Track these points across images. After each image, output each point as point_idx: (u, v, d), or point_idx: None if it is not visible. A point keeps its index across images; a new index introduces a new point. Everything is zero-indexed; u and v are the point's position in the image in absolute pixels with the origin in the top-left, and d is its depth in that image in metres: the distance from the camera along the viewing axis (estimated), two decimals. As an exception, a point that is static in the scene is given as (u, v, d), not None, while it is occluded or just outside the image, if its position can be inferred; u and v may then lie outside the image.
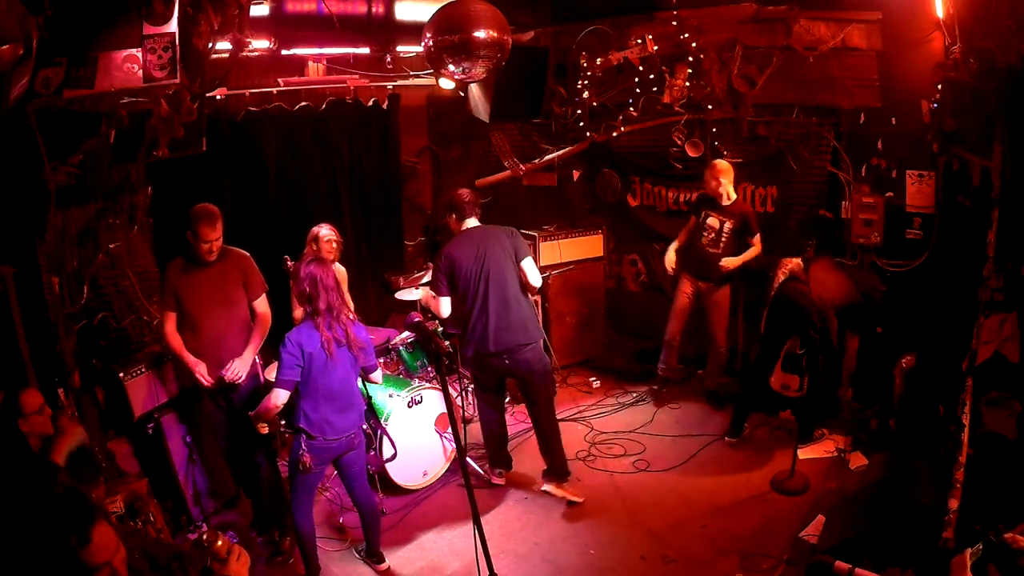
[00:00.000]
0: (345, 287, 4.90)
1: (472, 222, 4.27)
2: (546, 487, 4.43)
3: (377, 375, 3.72)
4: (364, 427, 3.78)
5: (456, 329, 4.36)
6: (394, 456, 4.28)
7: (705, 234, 5.13)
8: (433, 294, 4.23)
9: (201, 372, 3.74)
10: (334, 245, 4.64)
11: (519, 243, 4.26)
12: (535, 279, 4.24)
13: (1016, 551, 2.37)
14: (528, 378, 4.28)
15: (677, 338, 5.39)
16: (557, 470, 4.39)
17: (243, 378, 3.80)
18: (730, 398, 5.34)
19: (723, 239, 5.07)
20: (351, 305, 3.57)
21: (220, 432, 4.08)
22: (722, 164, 5.07)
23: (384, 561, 3.86)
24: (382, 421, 4.28)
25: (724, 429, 5.04)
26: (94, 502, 2.31)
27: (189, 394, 4.06)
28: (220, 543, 2.22)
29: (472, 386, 4.91)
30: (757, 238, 5.06)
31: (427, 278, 5.21)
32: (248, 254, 4.01)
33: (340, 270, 4.87)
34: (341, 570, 3.85)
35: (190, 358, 3.75)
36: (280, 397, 3.36)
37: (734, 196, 5.08)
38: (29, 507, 2.15)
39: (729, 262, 5.05)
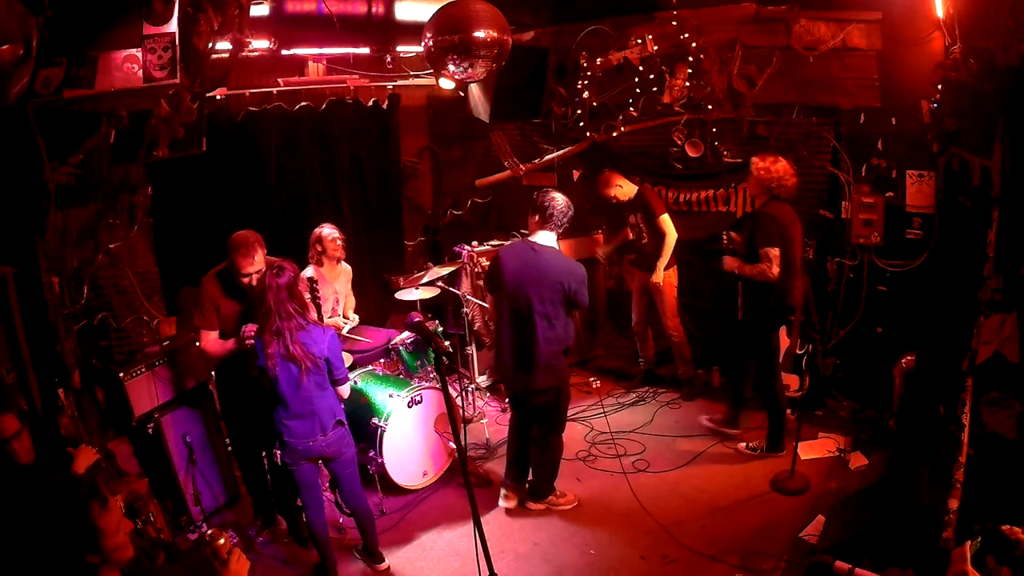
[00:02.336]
0: (349, 285, 4.95)
1: (543, 236, 3.92)
2: (528, 503, 4.35)
3: (344, 389, 3.63)
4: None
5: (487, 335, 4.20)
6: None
7: (632, 232, 5.60)
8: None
9: (247, 332, 3.58)
10: (339, 243, 4.68)
11: (581, 290, 3.89)
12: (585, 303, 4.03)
13: (1014, 542, 2.37)
14: (536, 413, 4.17)
15: (639, 328, 5.81)
16: (533, 488, 4.34)
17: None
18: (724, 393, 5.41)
19: (642, 229, 5.43)
20: (310, 313, 3.56)
21: (227, 429, 4.12)
22: (603, 176, 5.50)
23: (384, 561, 3.87)
24: (382, 421, 4.28)
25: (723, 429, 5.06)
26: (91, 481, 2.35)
27: (199, 390, 4.09)
28: (222, 541, 2.23)
29: (472, 386, 4.87)
30: (663, 219, 5.29)
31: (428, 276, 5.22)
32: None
33: (346, 268, 4.89)
34: (341, 569, 3.85)
35: (236, 340, 3.64)
36: None
37: (632, 190, 5.44)
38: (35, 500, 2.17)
39: (656, 277, 5.38)
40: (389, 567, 3.88)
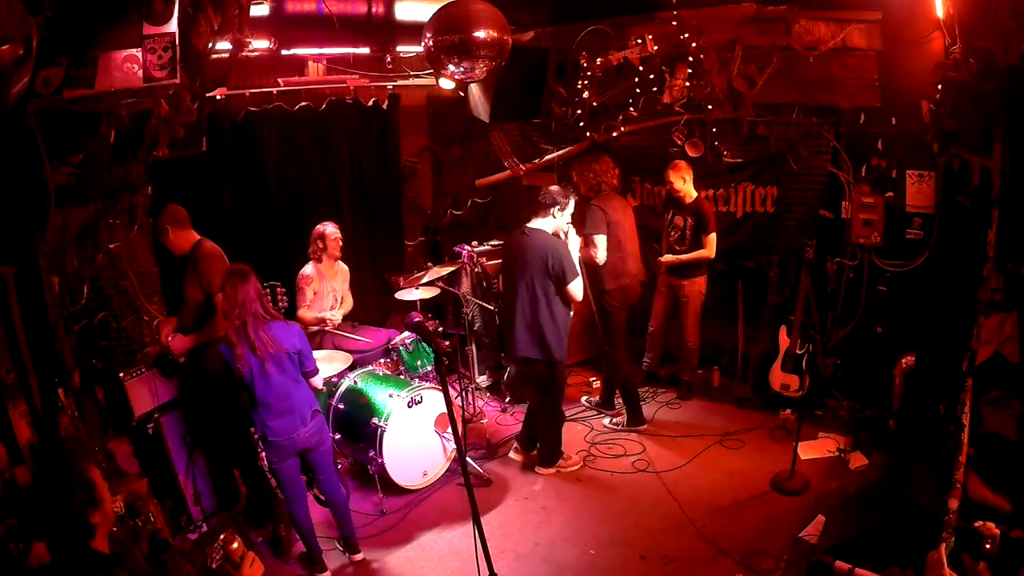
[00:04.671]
0: (347, 285, 5.00)
1: (536, 222, 4.45)
2: (538, 469, 4.72)
3: (315, 381, 3.74)
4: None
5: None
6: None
7: (672, 232, 5.40)
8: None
9: (166, 331, 4.05)
10: (340, 242, 4.86)
11: (567, 266, 4.31)
12: (577, 295, 4.40)
13: (986, 537, 2.37)
14: (532, 382, 4.68)
15: (656, 332, 5.69)
16: (542, 456, 4.73)
17: (170, 347, 3.96)
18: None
19: (687, 236, 5.28)
20: (271, 309, 3.73)
21: (220, 431, 4.12)
22: (681, 163, 5.29)
23: (359, 552, 3.94)
24: (382, 421, 4.28)
25: (724, 430, 5.07)
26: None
27: (194, 393, 4.12)
28: (236, 545, 2.18)
29: (472, 386, 4.91)
30: (710, 237, 5.19)
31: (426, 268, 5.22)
32: (213, 252, 4.04)
33: (343, 268, 4.95)
34: (330, 565, 3.87)
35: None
36: None
37: (694, 194, 5.29)
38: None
39: (665, 259, 5.38)
40: (364, 558, 3.93)
